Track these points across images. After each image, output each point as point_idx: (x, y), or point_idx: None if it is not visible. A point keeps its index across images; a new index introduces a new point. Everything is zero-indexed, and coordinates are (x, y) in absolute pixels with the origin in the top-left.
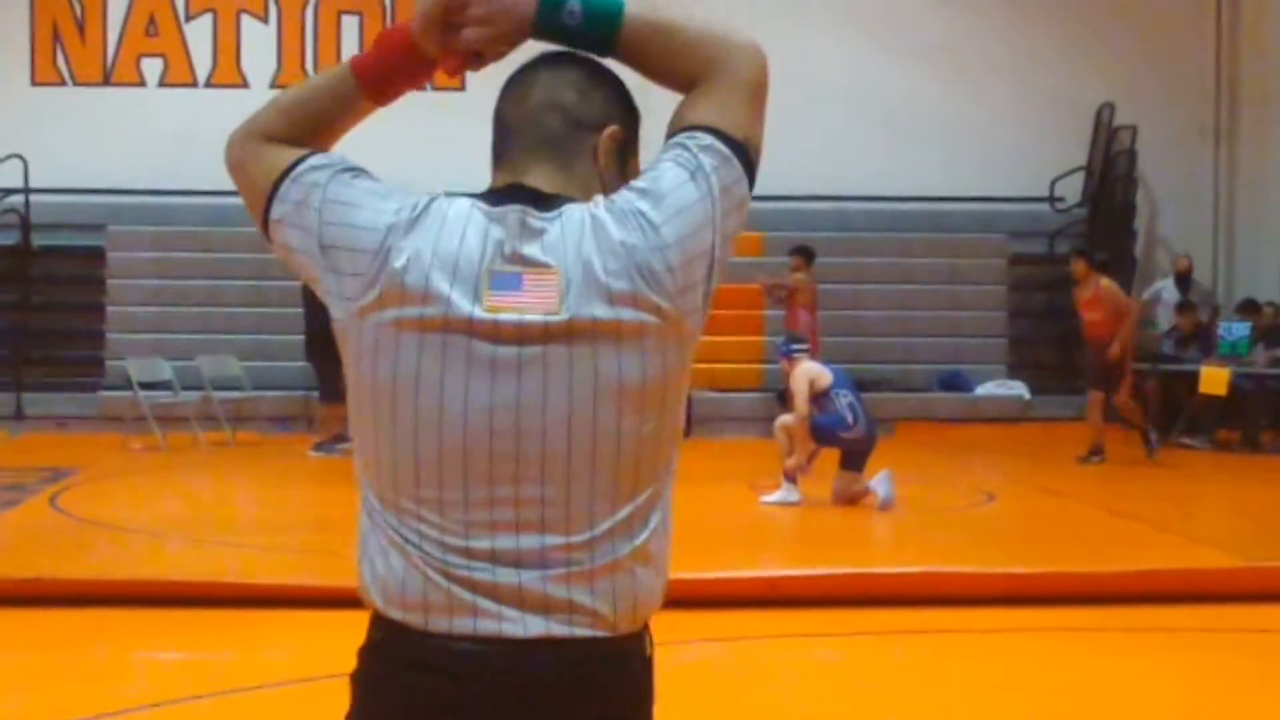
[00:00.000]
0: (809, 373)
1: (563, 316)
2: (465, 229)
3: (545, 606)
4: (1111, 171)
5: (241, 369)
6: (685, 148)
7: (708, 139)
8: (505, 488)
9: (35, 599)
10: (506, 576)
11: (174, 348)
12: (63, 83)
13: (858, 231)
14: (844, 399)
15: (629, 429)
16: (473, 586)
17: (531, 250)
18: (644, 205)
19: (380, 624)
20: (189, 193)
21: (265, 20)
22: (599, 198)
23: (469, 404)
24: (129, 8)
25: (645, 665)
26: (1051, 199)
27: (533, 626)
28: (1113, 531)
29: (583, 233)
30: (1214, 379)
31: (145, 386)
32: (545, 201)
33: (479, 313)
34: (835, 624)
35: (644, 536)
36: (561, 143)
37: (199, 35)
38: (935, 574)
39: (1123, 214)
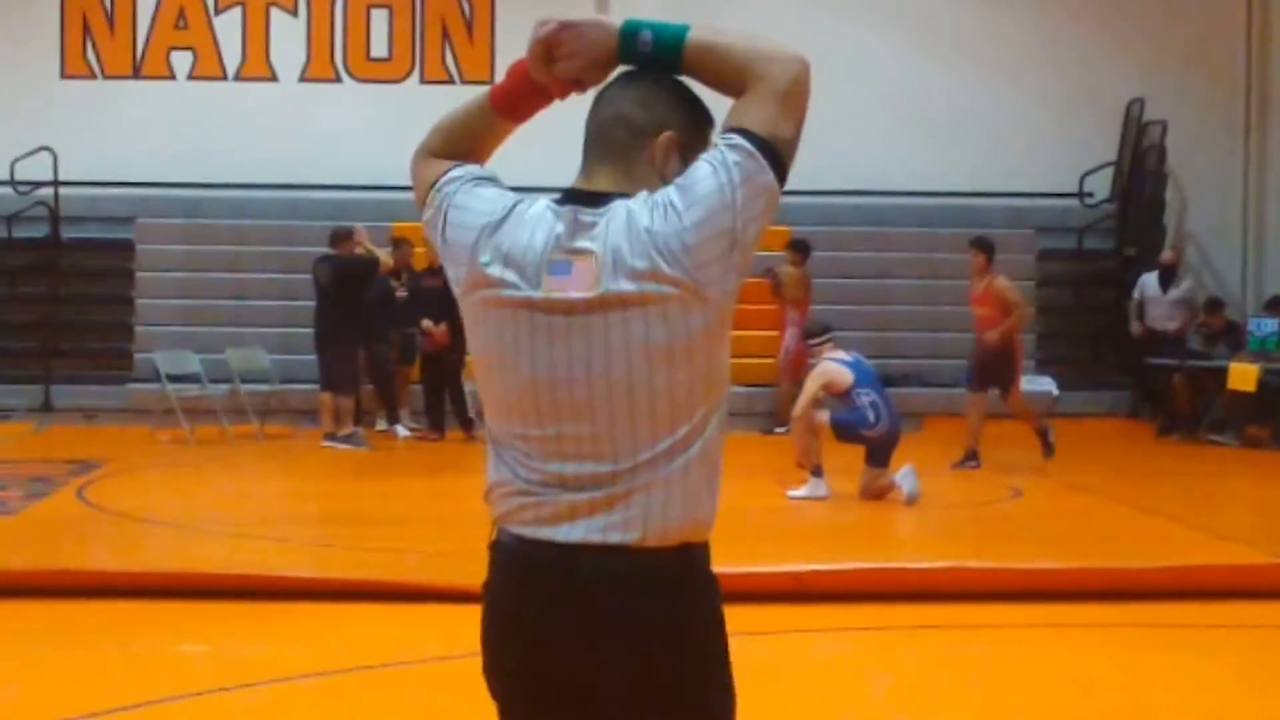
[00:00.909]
0: (825, 375)
1: (597, 292)
2: (535, 227)
3: (589, 519)
4: (1141, 167)
5: (269, 362)
6: (718, 146)
7: (736, 138)
8: (566, 425)
9: (63, 590)
10: (564, 495)
11: (202, 341)
12: (92, 76)
13: (887, 226)
14: (866, 397)
15: (660, 379)
16: (539, 502)
17: (581, 242)
18: (675, 197)
19: (493, 526)
20: (218, 185)
21: (295, 13)
22: (643, 193)
23: (534, 362)
24: (158, 1)
25: (677, 572)
26: (1081, 194)
27: (574, 534)
28: (1141, 528)
29: (620, 225)
30: (1243, 375)
31: (173, 379)
32: (599, 200)
33: (539, 294)
34: (862, 619)
35: (678, 466)
36: (624, 150)
37: (228, 28)
38: (962, 569)
39: (1152, 209)
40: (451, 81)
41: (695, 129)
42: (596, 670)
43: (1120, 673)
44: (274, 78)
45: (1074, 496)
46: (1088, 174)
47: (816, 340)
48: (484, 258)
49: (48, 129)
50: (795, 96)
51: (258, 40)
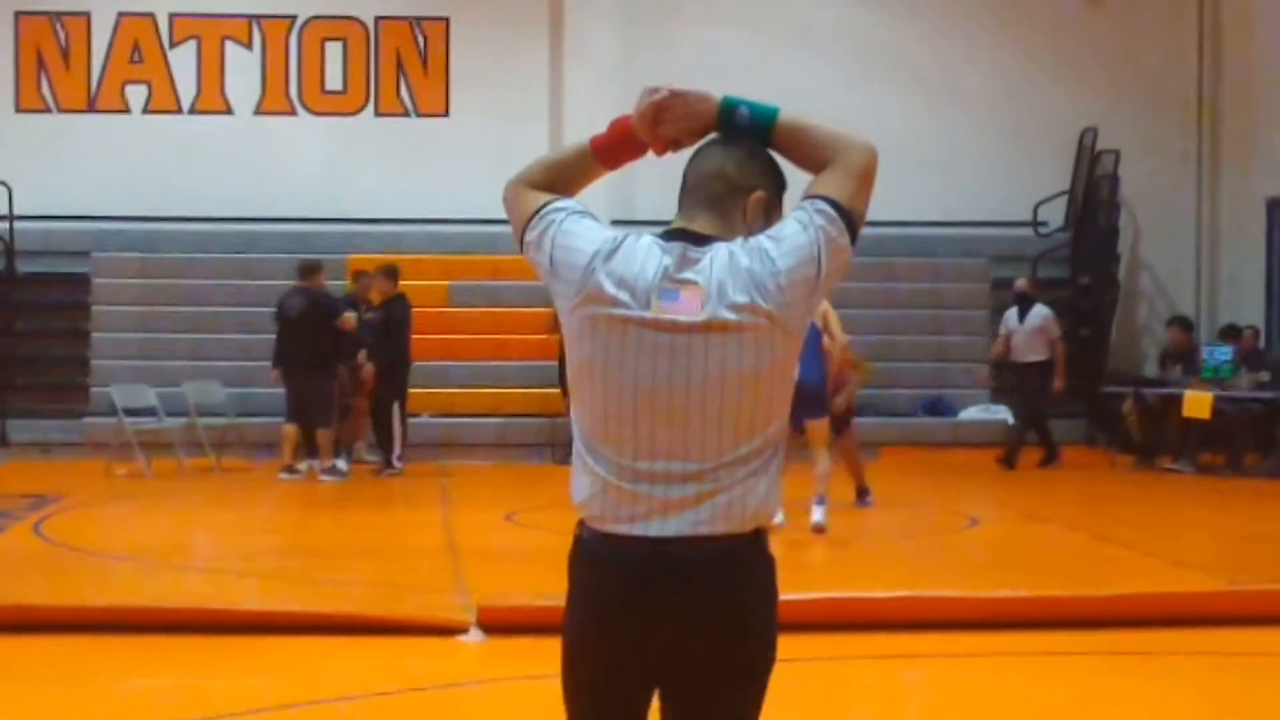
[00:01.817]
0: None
1: (702, 318)
2: (646, 258)
3: (680, 514)
4: (1094, 196)
5: (225, 395)
6: (805, 209)
7: (823, 204)
8: (660, 429)
9: (20, 626)
10: (656, 491)
11: (159, 374)
12: (47, 110)
13: None
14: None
15: (746, 395)
16: (634, 500)
17: (687, 274)
18: (769, 245)
19: (580, 525)
20: (173, 219)
21: (249, 47)
22: (740, 239)
23: (638, 372)
24: (113, 35)
25: (751, 555)
26: (1035, 223)
27: (668, 528)
28: (1096, 556)
29: (722, 263)
30: (1197, 402)
31: (130, 413)
32: (703, 241)
33: (648, 315)
34: (819, 649)
35: (754, 467)
36: (721, 201)
37: (183, 62)
38: (916, 598)
39: (1106, 238)
40: (406, 114)
41: (778, 193)
42: (687, 648)
43: (1077, 701)
44: (229, 111)
45: (1030, 525)
46: (1041, 203)
47: None
48: (596, 278)
49: (2, 163)
50: (868, 177)
51: (213, 73)
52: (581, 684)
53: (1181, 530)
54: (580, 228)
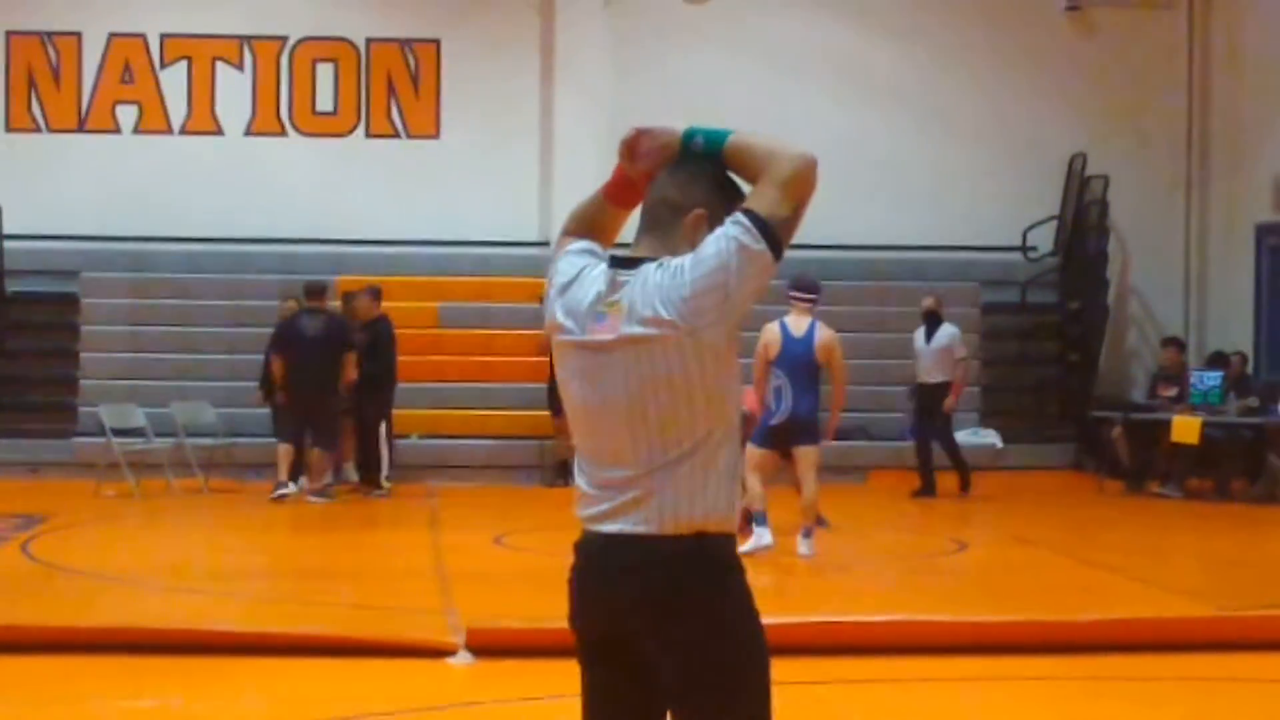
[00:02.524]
0: (765, 333)
1: (619, 334)
2: (590, 286)
3: (623, 514)
4: (1083, 221)
5: (215, 415)
6: (727, 222)
7: (741, 215)
8: (604, 440)
9: (9, 647)
10: (606, 494)
11: (148, 394)
12: (37, 129)
13: (833, 280)
14: (776, 380)
15: (665, 402)
16: (596, 501)
17: (613, 297)
18: (687, 261)
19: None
20: (163, 239)
21: (240, 68)
22: (666, 257)
23: (584, 390)
24: (104, 55)
25: (693, 556)
26: (1024, 248)
27: (614, 526)
28: (1084, 580)
29: (640, 282)
30: (1186, 428)
31: (119, 433)
32: (635, 264)
33: (585, 337)
34: (805, 673)
35: (685, 471)
36: (663, 224)
37: (174, 82)
38: (905, 622)
39: (1095, 263)
40: (397, 136)
41: (724, 208)
42: (644, 636)
43: None
44: (220, 131)
45: (1018, 549)
46: (1031, 228)
47: (795, 293)
48: (554, 307)
49: None
50: (794, 184)
51: (203, 94)
52: (581, 660)
53: (1169, 555)
54: (564, 264)
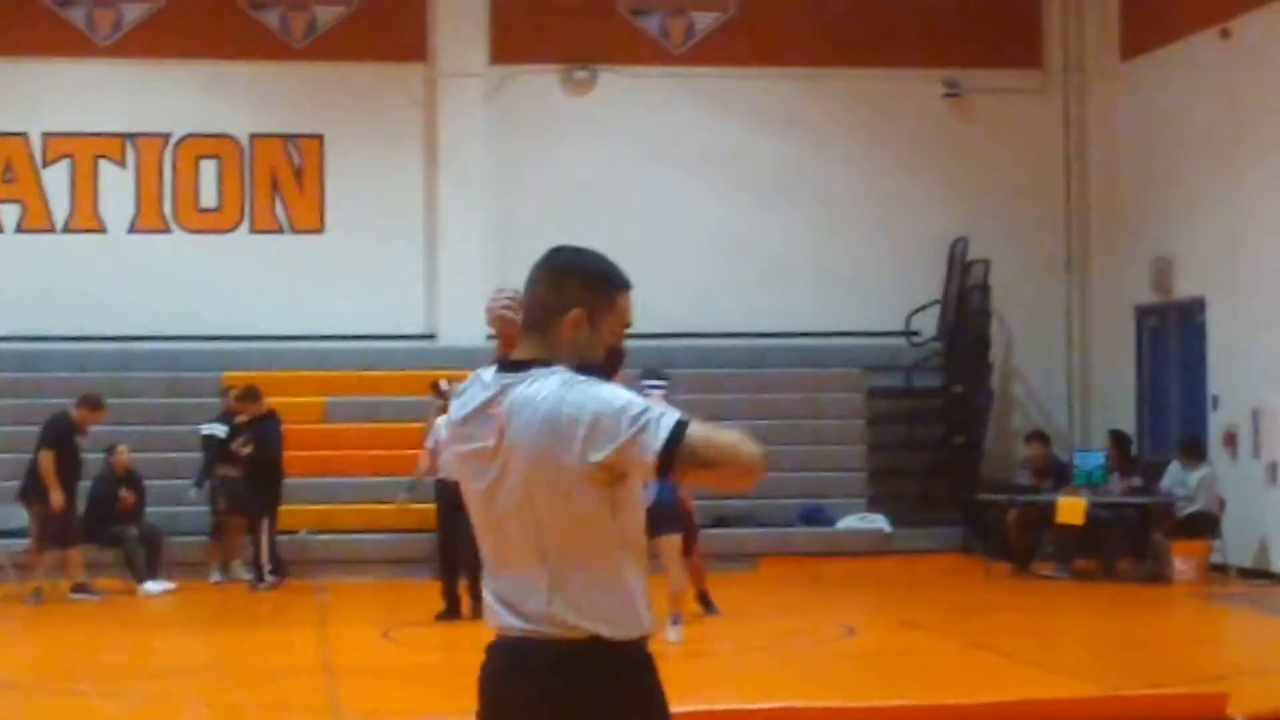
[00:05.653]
0: None
1: (500, 444)
2: (479, 390)
3: (521, 617)
4: (966, 305)
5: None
6: (634, 410)
7: (664, 425)
8: (498, 544)
9: None
10: (505, 598)
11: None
12: None
13: (718, 368)
14: None
15: (541, 513)
16: (495, 603)
17: (496, 405)
18: (572, 390)
19: None
20: (50, 338)
21: (123, 165)
22: (554, 375)
23: (475, 496)
24: None
25: (587, 661)
26: (908, 333)
27: (499, 623)
28: (973, 664)
29: (520, 393)
30: (1071, 509)
31: (2, 534)
32: (520, 368)
33: (472, 446)
34: None
35: (565, 583)
36: (541, 325)
37: (56, 180)
38: (792, 709)
39: (978, 346)
40: (281, 231)
41: (599, 299)
42: None
43: None
44: (103, 230)
45: (907, 633)
46: (915, 313)
47: (647, 383)
48: (455, 417)
49: None
50: (735, 461)
51: (86, 192)
52: None
53: (1057, 637)
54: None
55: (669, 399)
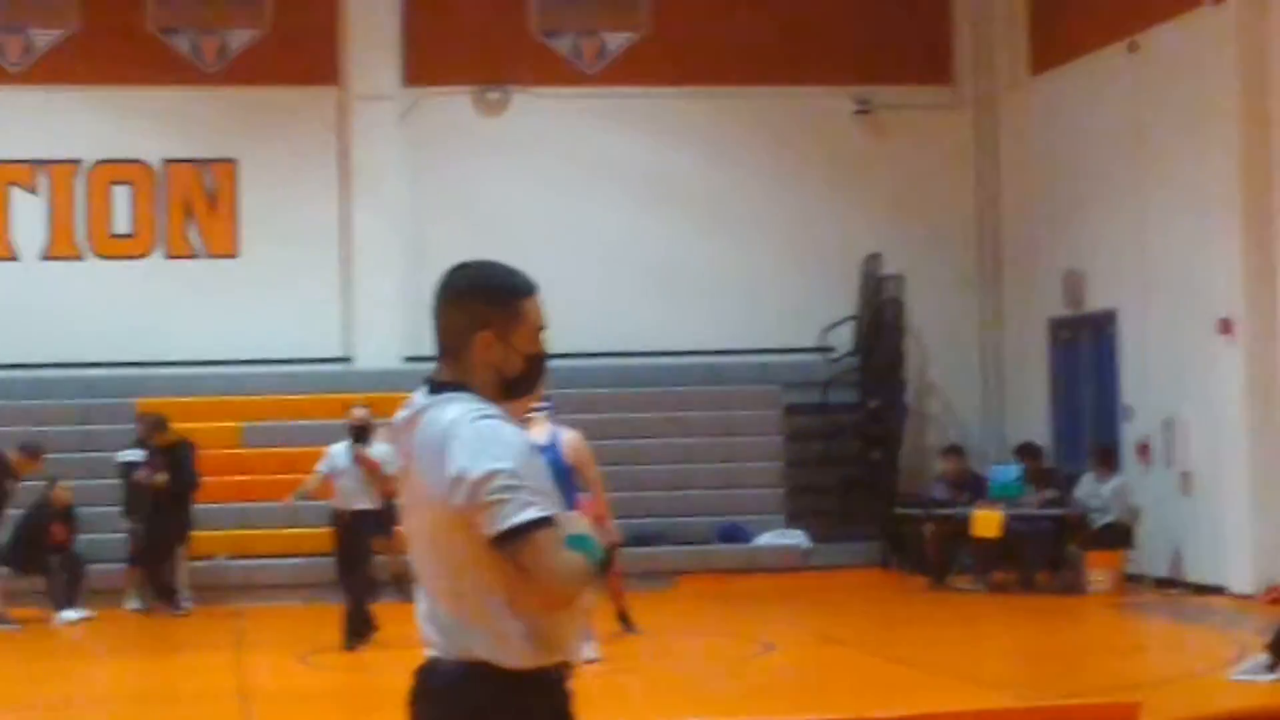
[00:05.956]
0: (571, 442)
1: (408, 466)
2: (402, 414)
3: (431, 639)
4: (880, 320)
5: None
6: (498, 482)
7: (501, 515)
8: (416, 565)
9: None
10: (424, 619)
11: None
12: None
13: (634, 387)
14: None
15: (435, 536)
16: (420, 623)
17: (410, 428)
18: (461, 432)
19: None
20: None
21: (35, 192)
22: (455, 404)
23: (404, 513)
24: None
25: (465, 684)
26: (823, 349)
27: (427, 649)
28: (891, 677)
29: (425, 423)
30: (987, 521)
31: None
32: (439, 389)
33: (394, 466)
34: None
35: (460, 611)
36: (453, 350)
37: None
38: None
39: (893, 362)
40: (195, 256)
41: (504, 313)
42: None
43: None
44: (14, 257)
45: (825, 648)
46: (829, 329)
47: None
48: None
49: None
50: (558, 589)
51: None
52: None
53: (974, 648)
54: None
55: (552, 418)
